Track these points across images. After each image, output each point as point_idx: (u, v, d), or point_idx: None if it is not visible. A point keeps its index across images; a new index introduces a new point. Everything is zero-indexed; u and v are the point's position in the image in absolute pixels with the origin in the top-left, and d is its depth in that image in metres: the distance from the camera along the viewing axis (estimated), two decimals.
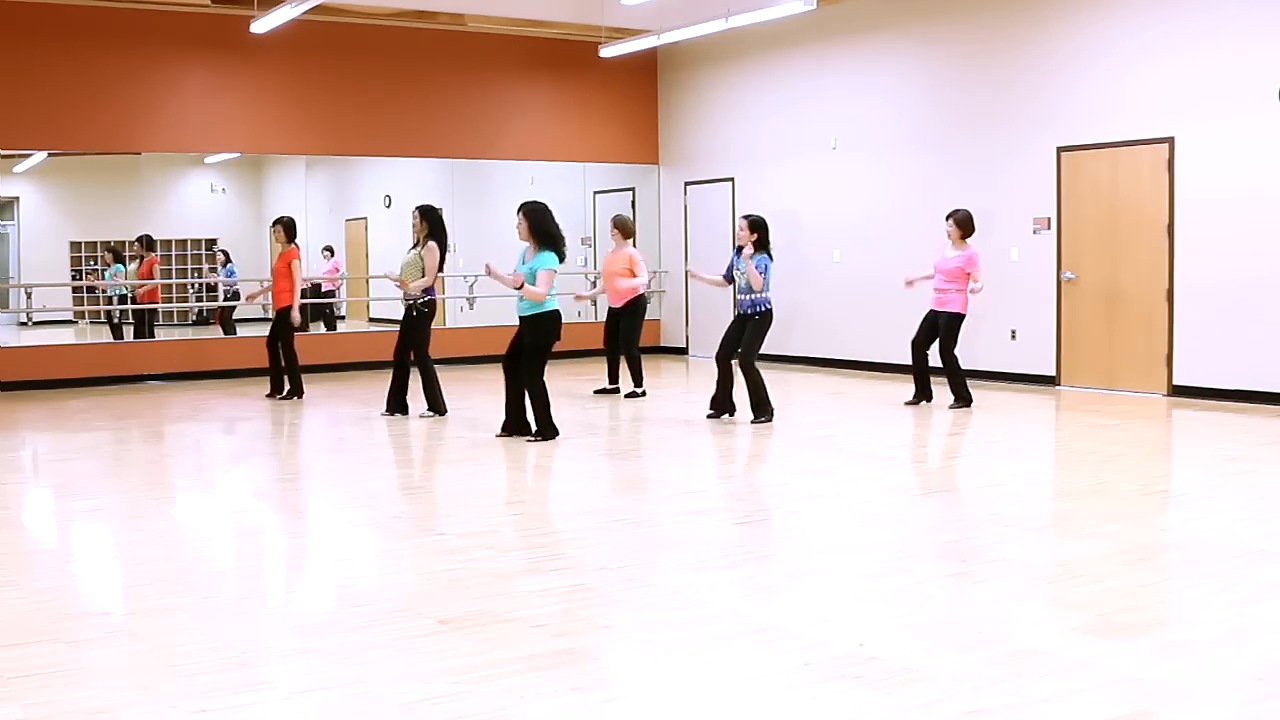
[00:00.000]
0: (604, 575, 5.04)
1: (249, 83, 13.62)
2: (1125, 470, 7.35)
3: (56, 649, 4.09)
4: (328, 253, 16.44)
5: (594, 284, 13.57)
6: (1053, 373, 11.47)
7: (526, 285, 8.29)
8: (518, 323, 8.61)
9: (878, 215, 13.13)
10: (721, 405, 9.46)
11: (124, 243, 15.27)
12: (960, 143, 12.26)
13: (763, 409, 9.24)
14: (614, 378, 11.33)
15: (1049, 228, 11.43)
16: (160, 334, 14.92)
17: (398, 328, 9.98)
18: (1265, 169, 9.83)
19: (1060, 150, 11.30)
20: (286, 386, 11.30)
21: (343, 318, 16.96)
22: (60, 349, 13.84)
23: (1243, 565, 5.04)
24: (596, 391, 11.35)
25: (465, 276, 14.90)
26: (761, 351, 9.39)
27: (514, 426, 8.71)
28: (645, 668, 3.95)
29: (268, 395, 11.42)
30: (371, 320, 16.94)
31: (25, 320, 16.45)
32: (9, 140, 12.99)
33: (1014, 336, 11.67)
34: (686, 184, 15.70)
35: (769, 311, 9.28)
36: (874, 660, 3.88)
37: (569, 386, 11.65)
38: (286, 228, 11.26)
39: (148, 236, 14.79)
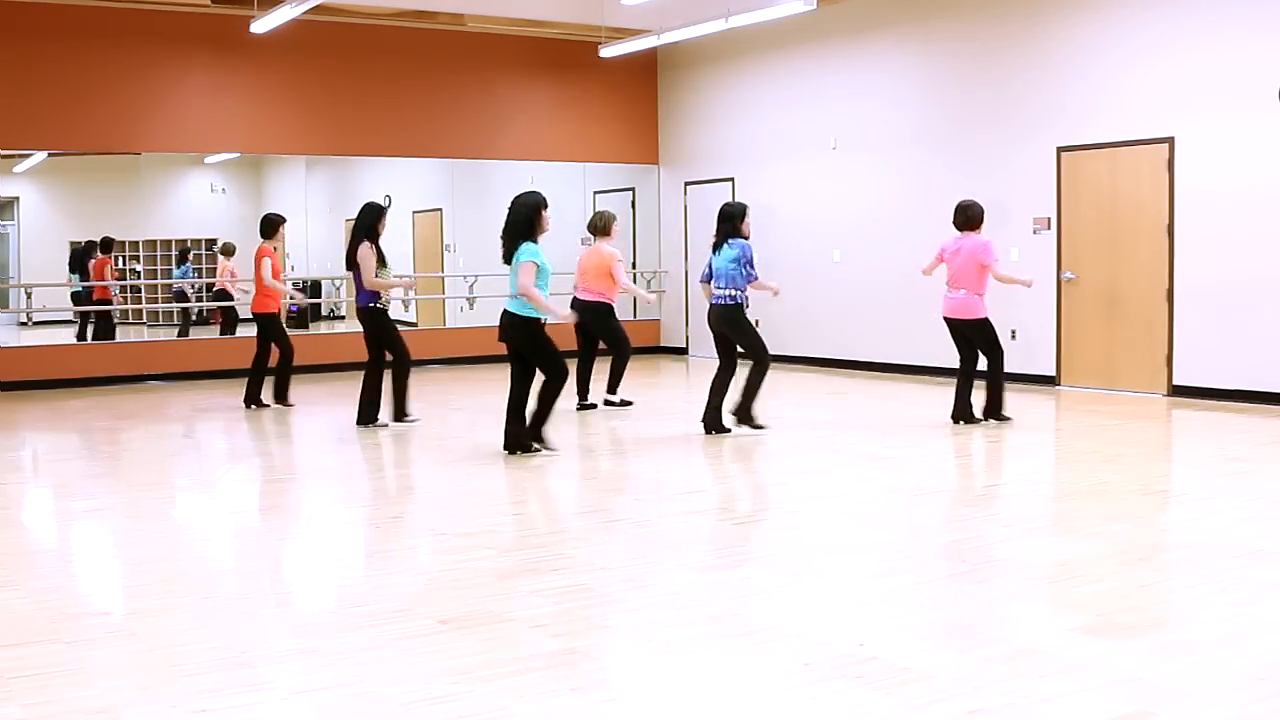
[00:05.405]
0: (604, 575, 5.04)
1: (249, 83, 13.62)
2: (1125, 470, 7.35)
3: (56, 649, 4.09)
4: (225, 254, 15.24)
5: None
6: (1053, 373, 11.47)
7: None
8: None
9: (878, 215, 13.13)
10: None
11: (79, 243, 15.26)
12: (960, 142, 12.25)
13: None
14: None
15: (1049, 228, 11.43)
16: (145, 335, 14.89)
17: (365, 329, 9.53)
18: (1265, 169, 9.83)
19: (1060, 150, 11.30)
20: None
21: (342, 317, 16.95)
22: (60, 349, 13.84)
23: (1243, 565, 5.04)
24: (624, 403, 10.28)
25: (465, 276, 14.93)
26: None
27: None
28: (645, 668, 3.95)
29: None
30: None
31: (25, 320, 16.48)
32: (9, 140, 13.00)
33: (1014, 336, 11.65)
34: (686, 184, 15.70)
35: None
36: (874, 660, 3.88)
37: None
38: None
39: (107, 238, 14.65)
